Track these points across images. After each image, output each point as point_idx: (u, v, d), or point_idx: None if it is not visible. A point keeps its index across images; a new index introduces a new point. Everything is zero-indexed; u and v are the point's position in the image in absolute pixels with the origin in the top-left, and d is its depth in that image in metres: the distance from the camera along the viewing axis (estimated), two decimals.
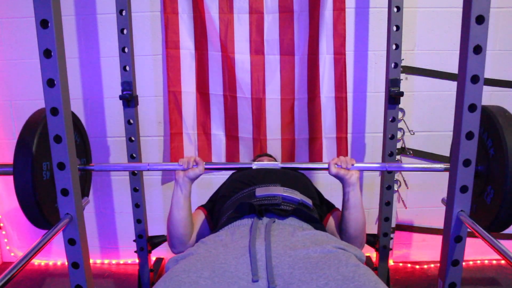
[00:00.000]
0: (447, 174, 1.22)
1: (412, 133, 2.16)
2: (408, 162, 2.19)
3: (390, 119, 1.84)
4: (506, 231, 2.29)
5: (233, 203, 1.38)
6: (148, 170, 1.55)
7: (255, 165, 1.49)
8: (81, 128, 1.61)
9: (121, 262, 2.41)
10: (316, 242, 1.05)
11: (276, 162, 1.51)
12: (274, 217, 1.18)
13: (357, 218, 1.36)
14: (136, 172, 1.90)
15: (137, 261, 2.03)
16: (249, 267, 0.97)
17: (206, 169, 1.42)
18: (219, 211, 1.43)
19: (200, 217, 1.49)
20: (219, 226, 1.28)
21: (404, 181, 2.21)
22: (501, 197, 1.19)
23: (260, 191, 1.34)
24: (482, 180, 1.29)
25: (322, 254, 0.99)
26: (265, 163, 1.50)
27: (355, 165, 1.39)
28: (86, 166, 1.52)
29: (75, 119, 1.55)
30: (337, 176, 1.39)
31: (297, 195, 1.33)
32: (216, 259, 0.99)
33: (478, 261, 2.32)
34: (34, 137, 1.23)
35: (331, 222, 1.46)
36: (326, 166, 1.41)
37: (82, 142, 1.60)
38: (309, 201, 1.36)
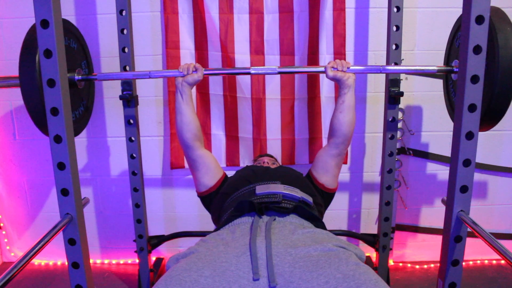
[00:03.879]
0: (447, 174, 1.22)
1: (412, 133, 2.16)
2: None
3: (390, 119, 1.84)
4: (506, 231, 2.31)
5: (233, 201, 1.38)
6: (149, 77, 1.58)
7: (253, 70, 1.53)
8: (77, 34, 1.57)
9: (121, 262, 2.41)
10: (316, 241, 1.05)
11: (273, 67, 1.54)
12: (274, 215, 1.18)
13: (351, 119, 1.47)
14: (136, 172, 1.90)
15: (137, 261, 2.03)
16: (250, 265, 0.97)
17: (205, 74, 1.50)
18: (220, 208, 1.43)
19: (219, 168, 1.57)
20: (220, 224, 1.28)
21: (404, 181, 2.21)
22: (484, 110, 1.22)
23: (260, 189, 1.34)
24: None
25: (323, 252, 1.00)
26: (262, 68, 1.57)
27: (351, 67, 1.46)
28: (89, 76, 1.54)
29: (70, 25, 1.53)
30: (334, 79, 1.46)
31: (297, 193, 1.33)
32: (217, 258, 0.99)
33: (478, 261, 2.32)
34: (36, 51, 1.21)
35: (318, 156, 1.55)
36: (322, 69, 1.48)
37: (80, 48, 1.57)
38: (309, 199, 1.36)
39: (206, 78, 2.13)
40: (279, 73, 1.53)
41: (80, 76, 1.51)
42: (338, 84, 1.48)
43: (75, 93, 1.50)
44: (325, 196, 1.55)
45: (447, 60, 1.62)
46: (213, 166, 1.55)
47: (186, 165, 2.11)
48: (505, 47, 1.20)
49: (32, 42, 1.26)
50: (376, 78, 2.12)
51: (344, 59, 2.03)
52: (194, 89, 2.15)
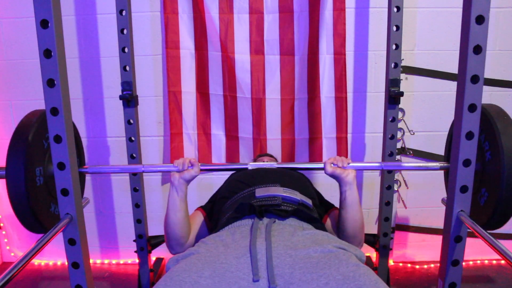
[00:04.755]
0: (447, 174, 1.22)
1: (412, 133, 2.16)
2: (406, 161, 2.20)
3: (390, 119, 1.84)
4: (506, 231, 2.31)
5: (232, 203, 1.38)
6: (143, 172, 1.52)
7: (250, 166, 1.47)
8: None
9: (121, 262, 2.41)
10: (316, 242, 1.05)
11: (272, 163, 1.51)
12: (274, 217, 1.18)
13: (355, 217, 1.35)
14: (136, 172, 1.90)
15: (137, 261, 2.03)
16: (250, 267, 0.97)
17: (201, 170, 1.40)
18: (219, 212, 1.43)
19: (199, 218, 1.49)
20: (219, 226, 1.28)
21: (404, 181, 2.21)
22: (495, 203, 1.19)
23: (260, 192, 1.33)
24: (477, 180, 1.27)
25: (323, 254, 1.00)
26: (261, 164, 1.50)
27: (351, 164, 1.38)
28: (81, 169, 1.45)
29: None
30: (333, 176, 1.38)
31: (297, 195, 1.33)
32: (216, 259, 0.99)
33: (478, 261, 2.32)
34: (26, 141, 1.19)
35: (328, 222, 1.46)
36: (322, 166, 1.40)
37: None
38: (309, 201, 1.36)
39: (206, 77, 2.13)
40: (279, 168, 1.51)
41: None
42: (338, 181, 1.39)
43: None
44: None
45: (447, 156, 1.55)
46: (197, 228, 1.47)
47: None
48: (507, 135, 1.18)
49: (21, 134, 1.21)
50: (376, 78, 2.13)
51: (344, 59, 2.04)
52: (194, 89, 2.16)
